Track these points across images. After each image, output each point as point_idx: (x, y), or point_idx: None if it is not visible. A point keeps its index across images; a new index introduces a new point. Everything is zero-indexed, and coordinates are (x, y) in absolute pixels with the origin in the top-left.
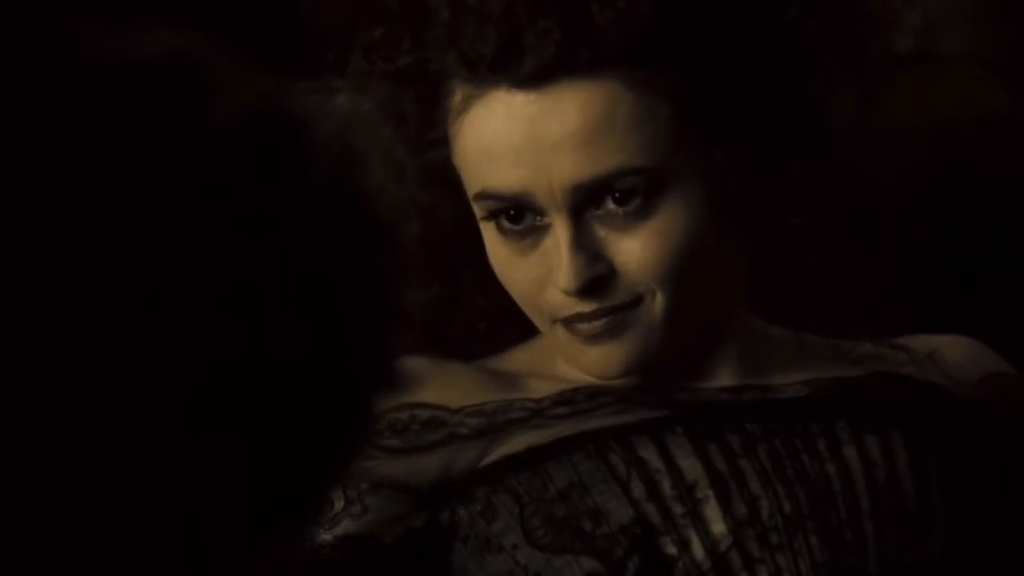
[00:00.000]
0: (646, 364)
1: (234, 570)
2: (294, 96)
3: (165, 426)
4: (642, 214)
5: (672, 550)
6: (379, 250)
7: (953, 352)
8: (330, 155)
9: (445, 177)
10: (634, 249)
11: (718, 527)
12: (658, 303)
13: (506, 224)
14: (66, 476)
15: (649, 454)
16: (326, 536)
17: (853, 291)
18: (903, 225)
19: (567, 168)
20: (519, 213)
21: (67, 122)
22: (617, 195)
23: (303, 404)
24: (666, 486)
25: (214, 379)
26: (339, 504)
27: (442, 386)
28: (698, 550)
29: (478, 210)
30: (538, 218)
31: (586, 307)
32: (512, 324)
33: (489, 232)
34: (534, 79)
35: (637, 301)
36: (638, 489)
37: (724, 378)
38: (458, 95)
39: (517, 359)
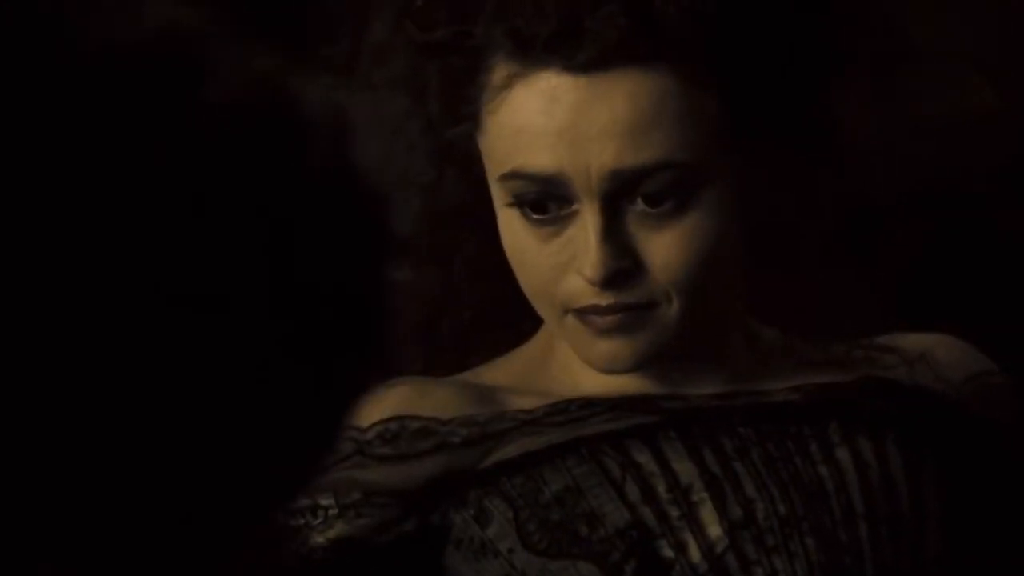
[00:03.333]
0: (655, 360)
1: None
2: (290, 72)
3: (155, 418)
4: (674, 214)
5: (669, 553)
6: (371, 228)
7: (940, 352)
8: (324, 132)
9: (461, 155)
10: (662, 248)
11: (714, 530)
12: (673, 309)
13: (530, 213)
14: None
15: (644, 458)
16: (319, 539)
17: (845, 290)
18: (895, 223)
19: (609, 154)
20: (543, 204)
21: (70, 97)
22: (648, 195)
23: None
24: (661, 489)
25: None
26: (332, 510)
27: (431, 405)
28: (695, 553)
29: (502, 194)
30: (563, 208)
31: (603, 300)
32: (499, 318)
33: (510, 216)
34: (589, 65)
35: (652, 305)
36: (633, 492)
37: (716, 384)
38: (500, 71)
39: (501, 373)
